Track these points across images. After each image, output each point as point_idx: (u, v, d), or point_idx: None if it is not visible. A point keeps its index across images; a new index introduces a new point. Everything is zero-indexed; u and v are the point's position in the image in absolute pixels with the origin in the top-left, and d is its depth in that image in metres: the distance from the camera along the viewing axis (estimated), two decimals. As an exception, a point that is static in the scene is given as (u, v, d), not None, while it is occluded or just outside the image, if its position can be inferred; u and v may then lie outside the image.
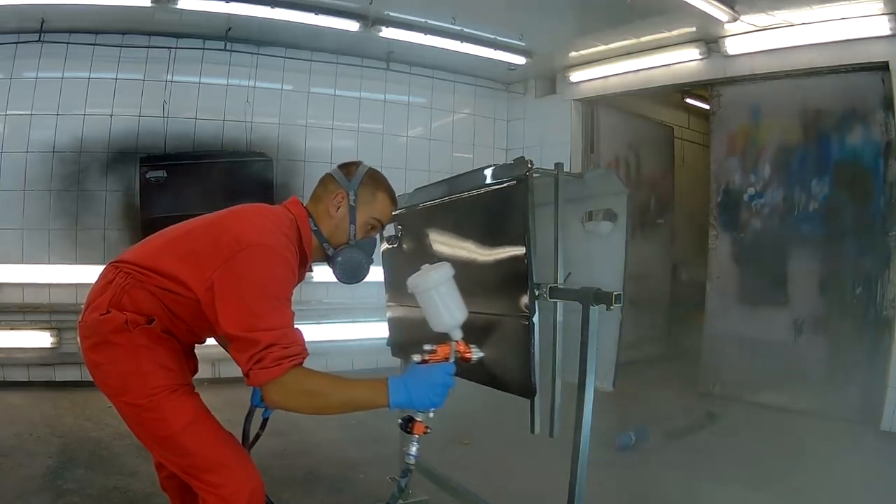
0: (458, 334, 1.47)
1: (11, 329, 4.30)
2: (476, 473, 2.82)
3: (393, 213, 1.73)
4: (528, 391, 1.68)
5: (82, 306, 1.56)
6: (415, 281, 1.48)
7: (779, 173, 4.43)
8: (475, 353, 1.49)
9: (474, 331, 1.96)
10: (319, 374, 1.38)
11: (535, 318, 1.65)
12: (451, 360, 1.44)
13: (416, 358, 1.46)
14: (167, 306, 1.50)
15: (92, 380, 1.53)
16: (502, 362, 1.83)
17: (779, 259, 4.40)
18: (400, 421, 1.45)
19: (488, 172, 1.88)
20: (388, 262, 2.56)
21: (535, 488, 2.75)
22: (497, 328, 1.82)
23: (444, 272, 1.47)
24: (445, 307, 1.46)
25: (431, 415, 1.42)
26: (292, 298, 1.47)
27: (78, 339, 1.54)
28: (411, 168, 5.60)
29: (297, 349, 1.36)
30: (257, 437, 1.71)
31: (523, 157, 1.72)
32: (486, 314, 1.90)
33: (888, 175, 3.92)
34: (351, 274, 1.63)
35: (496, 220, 1.84)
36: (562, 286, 1.69)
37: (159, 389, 1.45)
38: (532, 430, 1.70)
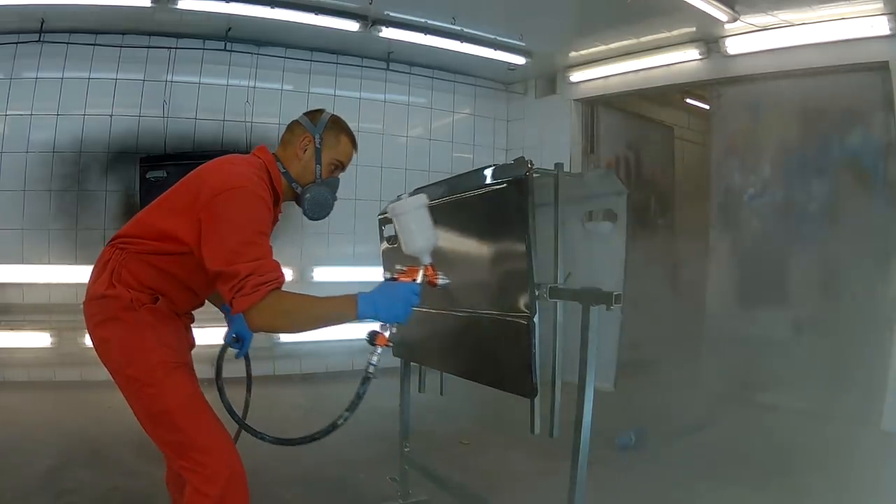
0: (427, 259, 1.53)
1: (11, 329, 4.30)
2: (476, 473, 2.82)
3: (353, 156, 1.83)
4: (528, 391, 1.68)
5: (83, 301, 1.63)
6: (393, 205, 1.57)
7: (779, 173, 4.43)
8: (441, 280, 1.53)
9: (475, 331, 1.97)
10: (294, 294, 1.47)
11: (536, 318, 1.65)
12: (419, 280, 1.51)
13: (387, 275, 1.56)
14: (164, 270, 1.58)
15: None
16: (503, 362, 1.83)
17: (779, 259, 4.40)
18: (367, 334, 1.49)
19: (488, 172, 1.89)
20: (389, 263, 2.56)
21: (535, 488, 2.75)
22: (498, 328, 1.82)
23: (419, 199, 1.54)
24: (420, 231, 1.52)
25: (394, 330, 1.47)
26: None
27: (84, 319, 1.61)
28: (411, 168, 5.60)
29: (272, 276, 1.43)
30: (246, 403, 1.93)
31: (523, 157, 1.72)
32: (486, 314, 1.90)
33: (888, 175, 3.92)
34: (318, 207, 1.73)
35: (496, 220, 1.84)
36: (562, 286, 1.70)
37: (160, 366, 1.53)
38: (532, 430, 1.70)
